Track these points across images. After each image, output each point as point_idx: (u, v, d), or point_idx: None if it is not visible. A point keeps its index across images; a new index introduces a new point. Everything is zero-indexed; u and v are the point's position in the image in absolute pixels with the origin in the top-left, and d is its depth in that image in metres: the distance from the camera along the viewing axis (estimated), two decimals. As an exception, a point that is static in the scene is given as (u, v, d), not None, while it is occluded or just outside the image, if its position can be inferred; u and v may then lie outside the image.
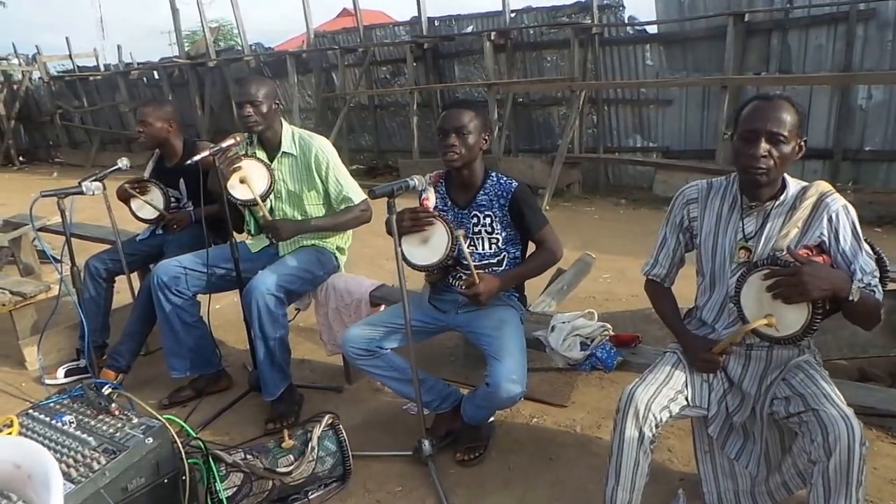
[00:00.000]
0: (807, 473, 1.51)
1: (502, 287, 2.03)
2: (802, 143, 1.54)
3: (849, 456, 1.37)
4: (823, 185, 1.56)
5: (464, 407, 2.17)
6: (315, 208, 2.56)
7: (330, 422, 2.04)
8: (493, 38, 7.41)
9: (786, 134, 1.48)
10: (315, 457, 1.96)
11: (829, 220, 1.52)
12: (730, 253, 1.63)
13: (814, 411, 1.46)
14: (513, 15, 7.76)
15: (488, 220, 2.07)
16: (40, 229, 3.67)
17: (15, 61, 13.13)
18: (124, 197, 2.88)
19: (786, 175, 1.58)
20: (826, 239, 1.52)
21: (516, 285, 2.19)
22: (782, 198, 1.57)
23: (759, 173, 1.50)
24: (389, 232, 1.99)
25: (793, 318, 1.42)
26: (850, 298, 1.38)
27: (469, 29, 8.27)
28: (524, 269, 2.12)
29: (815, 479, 1.42)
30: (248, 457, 1.90)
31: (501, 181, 2.08)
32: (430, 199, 2.10)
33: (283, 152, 2.50)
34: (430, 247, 2.00)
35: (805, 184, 1.59)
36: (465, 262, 1.99)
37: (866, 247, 1.52)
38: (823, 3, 5.70)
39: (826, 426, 1.41)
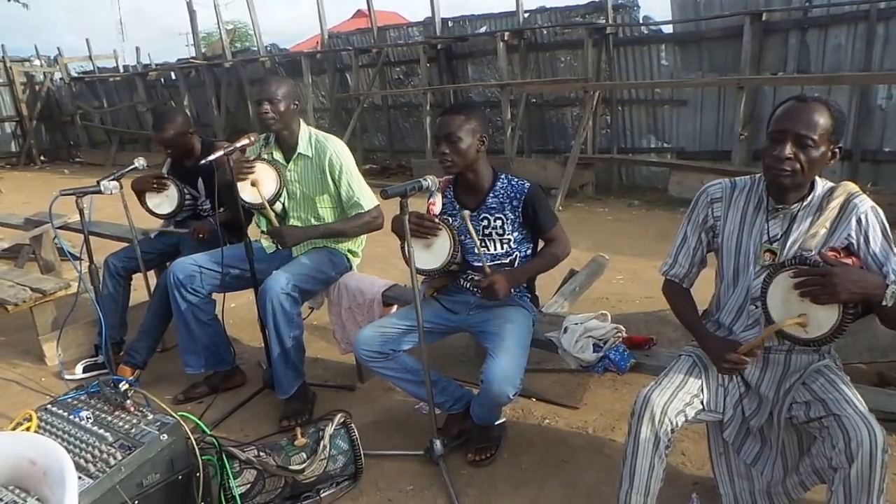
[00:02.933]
0: (826, 477, 1.48)
1: (512, 282, 2.03)
2: (836, 150, 1.48)
3: (871, 462, 1.35)
4: (851, 186, 1.53)
5: (472, 407, 2.17)
6: (327, 211, 2.57)
7: (342, 420, 2.05)
8: (506, 38, 7.39)
9: (815, 138, 1.43)
10: (327, 455, 1.97)
11: (858, 221, 1.48)
12: (754, 255, 1.59)
13: (835, 416, 1.43)
14: (526, 15, 7.74)
15: (499, 223, 2.08)
16: (60, 227, 3.72)
17: (37, 62, 13.34)
18: (140, 189, 2.90)
19: (815, 176, 1.54)
20: (854, 241, 1.49)
21: (527, 285, 2.20)
22: (809, 199, 1.53)
23: (782, 175, 1.47)
24: (394, 230, 2.01)
25: (823, 318, 1.38)
26: (884, 304, 1.34)
27: (482, 29, 8.26)
28: (533, 265, 2.13)
29: (836, 486, 1.39)
30: (261, 454, 1.92)
31: (513, 182, 2.08)
32: (437, 204, 2.09)
33: (299, 153, 2.52)
34: (433, 252, 2.02)
35: (832, 184, 1.55)
36: (476, 257, 2.00)
37: None
38: (843, 2, 5.61)
39: (848, 431, 1.38)
